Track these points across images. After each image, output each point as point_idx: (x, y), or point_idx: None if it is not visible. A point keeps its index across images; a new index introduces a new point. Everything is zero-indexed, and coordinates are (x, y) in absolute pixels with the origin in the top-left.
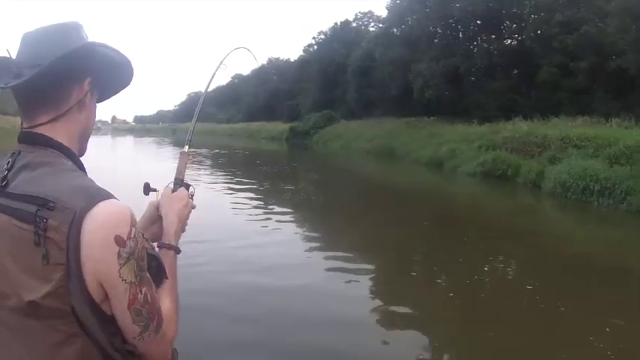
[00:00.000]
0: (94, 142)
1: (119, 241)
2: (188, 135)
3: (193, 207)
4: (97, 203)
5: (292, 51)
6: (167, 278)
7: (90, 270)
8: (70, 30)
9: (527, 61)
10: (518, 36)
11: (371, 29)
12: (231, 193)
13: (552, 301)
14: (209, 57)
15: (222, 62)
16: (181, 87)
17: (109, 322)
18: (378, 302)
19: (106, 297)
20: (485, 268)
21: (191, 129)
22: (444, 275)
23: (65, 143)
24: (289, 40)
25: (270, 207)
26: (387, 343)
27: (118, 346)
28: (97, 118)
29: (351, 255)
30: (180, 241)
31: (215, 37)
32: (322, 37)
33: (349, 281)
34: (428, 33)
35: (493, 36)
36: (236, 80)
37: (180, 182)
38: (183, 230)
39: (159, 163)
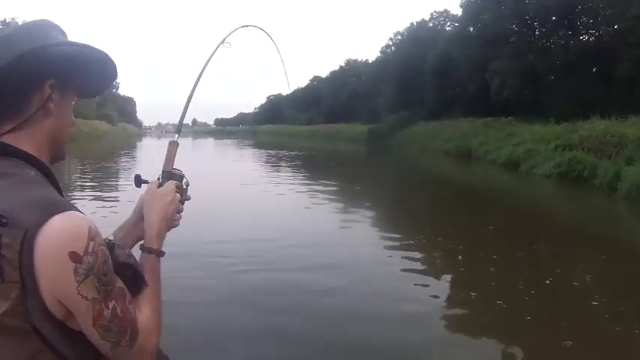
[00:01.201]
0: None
1: (75, 257)
2: (178, 124)
3: (187, 199)
4: (51, 217)
5: (370, 52)
6: (147, 285)
7: (46, 288)
8: (25, 32)
9: (605, 57)
10: (595, 31)
11: (447, 28)
12: (303, 192)
13: (626, 318)
14: (289, 58)
15: (224, 40)
16: (262, 90)
17: (77, 337)
18: (447, 304)
19: (70, 313)
20: (556, 274)
21: (181, 118)
22: (509, 280)
23: (31, 151)
24: (367, 41)
25: (342, 206)
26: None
27: None
28: (177, 121)
29: (419, 256)
30: (246, 237)
31: (296, 40)
32: (399, 37)
33: (416, 283)
34: (503, 31)
35: (569, 32)
36: (315, 82)
37: (167, 175)
38: (173, 226)
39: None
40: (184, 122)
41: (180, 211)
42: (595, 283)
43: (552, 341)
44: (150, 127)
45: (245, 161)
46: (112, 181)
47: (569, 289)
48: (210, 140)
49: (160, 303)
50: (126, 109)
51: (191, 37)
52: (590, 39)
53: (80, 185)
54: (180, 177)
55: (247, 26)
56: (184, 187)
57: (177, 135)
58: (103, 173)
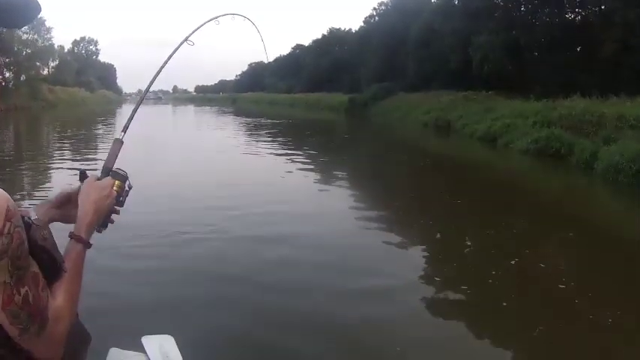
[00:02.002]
0: (154, 111)
1: None
2: (126, 121)
3: (120, 205)
4: None
5: (354, 21)
6: (65, 272)
7: None
8: None
9: (590, 36)
10: (581, 10)
11: (432, 0)
12: (273, 161)
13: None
14: (271, 26)
15: (188, 38)
16: (243, 57)
17: None
18: (412, 279)
19: None
20: (525, 253)
21: (130, 115)
22: (481, 254)
23: None
24: (350, 9)
25: (313, 176)
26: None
27: (2, 342)
28: (158, 87)
29: (387, 227)
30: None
31: (279, 6)
32: (383, 7)
33: (383, 256)
34: (488, 4)
35: (555, 10)
36: (297, 51)
37: (107, 171)
38: (106, 222)
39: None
40: (164, 89)
41: (116, 211)
42: (565, 263)
43: (520, 321)
44: (130, 94)
45: (223, 129)
46: (88, 149)
47: (538, 268)
48: (191, 107)
49: (78, 292)
50: (105, 75)
51: (178, 5)
52: (577, 17)
53: (58, 152)
54: (123, 178)
55: (232, 14)
56: (127, 188)
57: (123, 134)
58: (79, 140)
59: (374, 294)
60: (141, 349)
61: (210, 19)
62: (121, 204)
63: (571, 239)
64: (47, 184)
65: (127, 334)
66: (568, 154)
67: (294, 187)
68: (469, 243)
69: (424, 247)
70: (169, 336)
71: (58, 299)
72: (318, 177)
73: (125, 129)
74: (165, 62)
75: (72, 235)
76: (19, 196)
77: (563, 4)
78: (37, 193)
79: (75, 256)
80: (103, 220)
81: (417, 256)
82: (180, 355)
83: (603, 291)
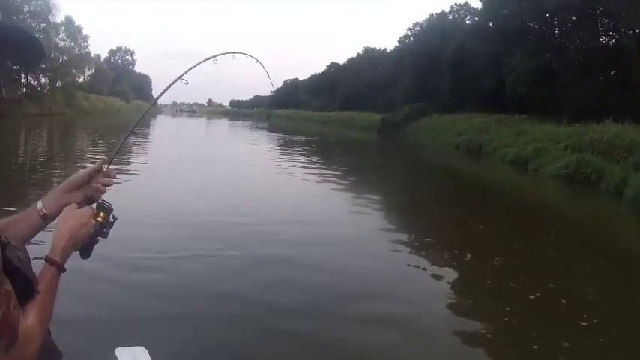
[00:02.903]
0: (189, 124)
1: None
2: (113, 154)
3: (104, 235)
4: None
5: (389, 41)
6: (38, 293)
7: None
8: None
9: (623, 60)
10: (615, 34)
11: (467, 22)
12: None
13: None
14: (306, 43)
15: (181, 76)
16: (279, 74)
17: None
18: (434, 305)
19: None
20: (555, 280)
21: (117, 148)
22: (507, 282)
23: None
24: (385, 29)
25: (343, 195)
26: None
27: None
28: (193, 100)
29: (412, 250)
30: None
31: (315, 24)
32: (418, 28)
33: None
34: (522, 27)
35: (590, 33)
36: (332, 69)
37: (89, 201)
38: (76, 249)
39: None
40: (199, 102)
41: (95, 242)
42: (592, 293)
43: (545, 351)
44: (165, 105)
45: (256, 144)
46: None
47: (566, 299)
48: (225, 121)
49: (50, 313)
50: (141, 86)
51: (216, 19)
52: (610, 41)
53: (89, 158)
54: (108, 210)
55: (233, 53)
56: (111, 220)
57: (106, 166)
58: (110, 148)
59: (389, 321)
60: None
61: (208, 58)
62: (105, 235)
63: (598, 268)
64: None
65: (100, 345)
66: (598, 180)
67: (319, 207)
68: (495, 270)
69: (449, 274)
70: (142, 347)
71: (29, 318)
72: (346, 197)
73: (109, 162)
74: (168, 87)
75: (47, 259)
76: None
77: (597, 28)
78: None
79: (49, 278)
80: (85, 248)
81: (441, 283)
82: None
83: (632, 322)
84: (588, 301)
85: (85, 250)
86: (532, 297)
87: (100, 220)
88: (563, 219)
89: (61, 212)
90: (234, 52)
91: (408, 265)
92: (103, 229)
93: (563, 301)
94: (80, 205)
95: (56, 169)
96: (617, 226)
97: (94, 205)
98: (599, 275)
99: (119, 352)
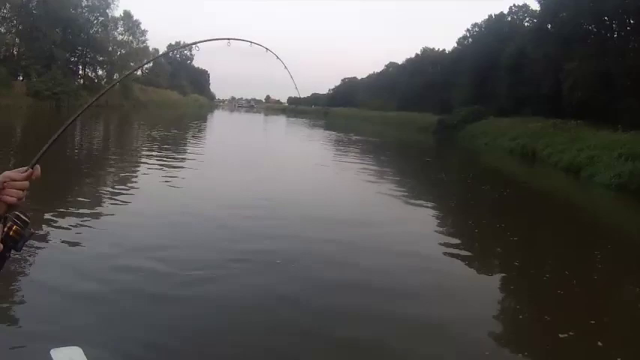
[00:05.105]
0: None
1: None
2: (37, 156)
3: (17, 249)
4: None
5: (447, 42)
6: None
7: None
8: None
9: None
10: None
11: (525, 24)
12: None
13: None
14: (365, 43)
15: (193, 44)
16: (337, 72)
17: None
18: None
19: None
20: (606, 296)
21: (44, 149)
22: (553, 295)
23: None
24: (444, 30)
25: (396, 199)
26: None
27: None
28: (251, 96)
29: (461, 251)
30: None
31: (372, 24)
32: (476, 29)
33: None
34: (581, 30)
35: None
36: (390, 69)
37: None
38: None
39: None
40: (257, 98)
41: (5, 257)
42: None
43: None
44: (223, 100)
45: (312, 141)
46: (177, 148)
47: (617, 314)
48: (282, 117)
49: None
50: (199, 80)
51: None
52: None
53: (142, 151)
54: (24, 224)
55: (249, 42)
56: (26, 235)
57: (30, 167)
58: (162, 140)
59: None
60: None
61: (226, 38)
62: (19, 249)
63: None
64: (131, 179)
65: (34, 345)
66: None
67: (369, 208)
68: (542, 279)
69: (495, 280)
70: (77, 347)
71: None
72: (398, 201)
73: (33, 165)
74: (154, 59)
75: None
76: (106, 190)
77: None
78: (119, 187)
79: None
80: None
81: (488, 289)
82: None
83: None
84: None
85: None
86: (580, 312)
87: (12, 234)
88: (614, 230)
89: None
90: (251, 42)
91: (455, 267)
92: (17, 243)
93: (619, 314)
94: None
95: (110, 161)
96: None
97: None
98: None
99: (54, 352)
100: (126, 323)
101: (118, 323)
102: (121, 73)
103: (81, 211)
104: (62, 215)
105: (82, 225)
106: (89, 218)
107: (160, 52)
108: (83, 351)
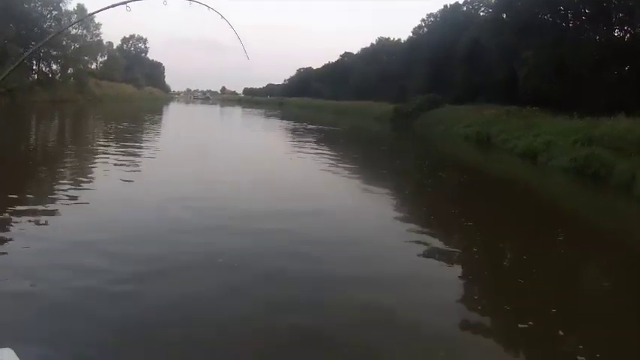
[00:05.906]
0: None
1: None
2: None
3: None
4: None
5: (402, 32)
6: None
7: None
8: None
9: (638, 55)
10: (630, 29)
11: (481, 14)
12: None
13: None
14: (320, 33)
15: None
16: (292, 63)
17: None
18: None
19: None
20: (562, 275)
21: None
22: (509, 268)
23: None
24: (399, 20)
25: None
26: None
27: None
28: (207, 88)
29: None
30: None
31: (328, 14)
32: (432, 19)
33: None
34: (536, 20)
35: (604, 27)
36: (345, 58)
37: None
38: None
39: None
40: (213, 90)
41: None
42: (602, 288)
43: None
44: (178, 93)
45: (268, 131)
46: (130, 142)
47: (575, 293)
48: (238, 108)
49: None
50: (154, 73)
51: (230, 8)
52: (625, 36)
53: (97, 145)
54: None
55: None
56: None
57: None
58: (118, 133)
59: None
60: None
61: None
62: None
63: (610, 264)
64: (82, 174)
65: None
66: (607, 174)
67: (322, 198)
68: (501, 267)
69: (452, 269)
70: (9, 349)
71: None
72: (352, 189)
73: None
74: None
75: None
76: (63, 184)
77: (612, 22)
78: (67, 181)
79: None
80: None
81: (444, 278)
82: None
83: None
84: (600, 296)
85: None
86: (539, 292)
87: None
88: (571, 213)
89: None
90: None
91: (410, 255)
92: None
93: (574, 297)
94: None
95: (65, 156)
96: (628, 222)
97: None
98: (611, 270)
99: None
100: (65, 321)
101: (57, 321)
102: (74, 68)
103: (22, 208)
104: (1, 210)
105: (23, 222)
106: (32, 214)
107: (115, 46)
108: (15, 352)
